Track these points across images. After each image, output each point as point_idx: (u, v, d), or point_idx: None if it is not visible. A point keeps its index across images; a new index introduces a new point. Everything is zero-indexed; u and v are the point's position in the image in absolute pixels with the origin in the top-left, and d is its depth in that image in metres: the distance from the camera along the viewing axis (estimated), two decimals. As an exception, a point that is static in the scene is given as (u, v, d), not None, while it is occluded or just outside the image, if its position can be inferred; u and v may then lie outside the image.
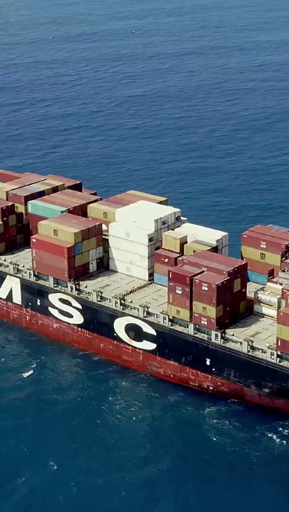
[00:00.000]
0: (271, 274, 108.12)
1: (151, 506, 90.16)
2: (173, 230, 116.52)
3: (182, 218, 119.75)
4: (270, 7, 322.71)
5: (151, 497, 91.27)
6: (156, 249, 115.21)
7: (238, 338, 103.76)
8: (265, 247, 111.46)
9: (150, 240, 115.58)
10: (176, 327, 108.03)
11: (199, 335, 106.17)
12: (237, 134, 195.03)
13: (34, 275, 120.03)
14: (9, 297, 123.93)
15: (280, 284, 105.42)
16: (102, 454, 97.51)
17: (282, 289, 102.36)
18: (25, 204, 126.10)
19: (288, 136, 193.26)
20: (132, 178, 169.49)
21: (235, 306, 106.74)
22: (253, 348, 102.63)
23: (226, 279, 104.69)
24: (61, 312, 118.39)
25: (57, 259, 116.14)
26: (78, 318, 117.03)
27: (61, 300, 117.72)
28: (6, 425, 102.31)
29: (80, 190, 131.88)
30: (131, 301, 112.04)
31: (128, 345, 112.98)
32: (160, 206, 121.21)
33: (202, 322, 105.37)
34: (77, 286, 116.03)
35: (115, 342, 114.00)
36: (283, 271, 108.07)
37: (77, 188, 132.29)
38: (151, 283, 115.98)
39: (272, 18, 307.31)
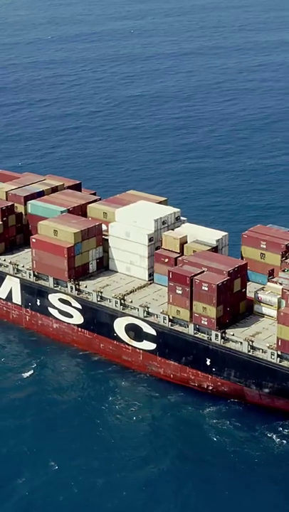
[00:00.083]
0: (271, 274, 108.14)
1: (152, 506, 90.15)
2: (173, 230, 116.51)
3: (182, 218, 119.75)
4: (268, 7, 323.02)
5: (151, 497, 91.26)
6: (156, 249, 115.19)
7: (238, 338, 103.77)
8: (265, 247, 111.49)
9: (150, 240, 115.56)
10: (177, 327, 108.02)
11: (199, 335, 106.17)
12: (236, 134, 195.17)
13: (34, 275, 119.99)
14: (9, 297, 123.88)
15: (280, 283, 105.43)
16: (103, 454, 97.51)
17: (283, 288, 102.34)
18: (25, 204, 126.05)
19: (287, 136, 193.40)
20: (131, 178, 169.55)
21: (236, 306, 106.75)
22: (253, 348, 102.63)
23: (226, 279, 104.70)
24: (61, 312, 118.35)
25: (57, 259, 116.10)
26: (78, 319, 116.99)
27: (61, 300, 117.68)
28: (6, 425, 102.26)
29: (80, 190, 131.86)
30: (131, 301, 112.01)
31: (128, 345, 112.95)
32: (160, 206, 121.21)
33: (202, 322, 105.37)
34: (77, 286, 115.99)
35: (115, 342, 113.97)
36: (283, 271, 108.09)
37: (77, 188, 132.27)
38: (151, 283, 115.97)
39: (270, 18, 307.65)
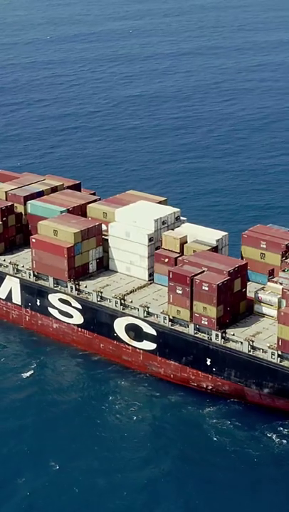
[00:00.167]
0: (271, 273, 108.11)
1: (153, 506, 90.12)
2: (173, 229, 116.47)
3: (182, 218, 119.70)
4: (267, 7, 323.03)
5: (152, 497, 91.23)
6: (156, 249, 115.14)
7: (238, 338, 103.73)
8: (265, 246, 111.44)
9: (150, 239, 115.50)
10: (177, 327, 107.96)
11: (200, 335, 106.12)
12: (235, 134, 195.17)
13: (34, 275, 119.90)
14: (9, 297, 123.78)
15: (281, 283, 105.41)
16: (103, 454, 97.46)
17: (283, 288, 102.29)
18: (25, 204, 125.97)
19: (286, 136, 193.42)
20: (130, 178, 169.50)
21: (236, 306, 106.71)
22: (253, 347, 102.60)
23: (227, 279, 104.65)
24: (61, 312, 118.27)
25: (57, 259, 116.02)
26: (78, 319, 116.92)
27: (61, 300, 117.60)
28: (6, 425, 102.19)
29: (79, 190, 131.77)
30: (131, 301, 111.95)
31: (128, 345, 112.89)
32: (160, 206, 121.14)
33: (202, 322, 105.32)
34: (77, 287, 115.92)
35: (115, 342, 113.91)
36: (283, 270, 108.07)
37: (77, 188, 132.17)
38: (151, 283, 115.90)
39: (269, 18, 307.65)
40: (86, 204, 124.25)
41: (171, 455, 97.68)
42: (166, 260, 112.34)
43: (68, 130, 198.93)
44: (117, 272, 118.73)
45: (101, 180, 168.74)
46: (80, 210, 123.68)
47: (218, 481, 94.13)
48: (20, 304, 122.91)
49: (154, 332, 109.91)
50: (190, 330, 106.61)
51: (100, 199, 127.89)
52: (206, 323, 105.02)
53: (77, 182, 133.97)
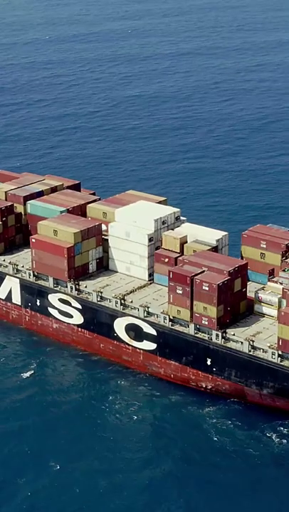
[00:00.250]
0: (271, 273, 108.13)
1: (154, 506, 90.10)
2: (173, 229, 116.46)
3: (182, 218, 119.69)
4: (266, 7, 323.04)
5: (153, 497, 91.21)
6: (156, 249, 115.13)
7: (238, 338, 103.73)
8: (265, 246, 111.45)
9: (150, 239, 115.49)
10: (177, 327, 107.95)
11: (200, 335, 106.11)
12: (234, 134, 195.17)
13: (34, 275, 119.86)
14: (9, 297, 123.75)
15: (281, 283, 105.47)
16: (104, 454, 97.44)
17: (283, 288, 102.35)
18: (25, 204, 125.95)
19: (285, 136, 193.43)
20: (130, 178, 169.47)
21: (236, 306, 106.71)
22: (253, 347, 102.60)
23: (227, 279, 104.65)
24: (61, 312, 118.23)
25: (57, 259, 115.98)
26: (78, 319, 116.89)
27: (61, 300, 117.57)
28: (7, 426, 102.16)
29: (79, 190, 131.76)
30: (131, 301, 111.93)
31: (128, 345, 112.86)
32: (160, 206, 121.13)
33: (203, 322, 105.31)
34: (77, 287, 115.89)
35: (115, 342, 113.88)
36: (283, 270, 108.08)
37: (76, 188, 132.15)
38: (151, 283, 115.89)
39: (268, 18, 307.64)
40: (86, 204, 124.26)
41: (172, 455, 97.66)
42: (166, 260, 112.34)
43: (68, 130, 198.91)
44: (117, 272, 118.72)
45: (101, 180, 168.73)
46: (80, 210, 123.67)
47: (218, 480, 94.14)
48: (20, 304, 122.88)
49: (154, 332, 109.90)
50: (190, 330, 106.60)
51: (99, 199, 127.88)
52: (207, 323, 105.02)
53: (77, 182, 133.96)
